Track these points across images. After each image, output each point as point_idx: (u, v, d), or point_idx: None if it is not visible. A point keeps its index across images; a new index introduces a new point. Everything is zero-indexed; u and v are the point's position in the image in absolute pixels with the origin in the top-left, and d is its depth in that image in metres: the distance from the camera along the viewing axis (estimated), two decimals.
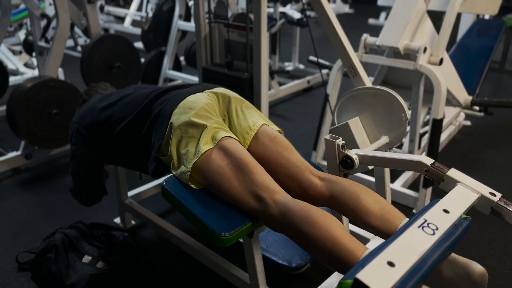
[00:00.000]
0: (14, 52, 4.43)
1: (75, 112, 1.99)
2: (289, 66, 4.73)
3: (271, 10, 4.14)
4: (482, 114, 3.24)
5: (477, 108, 2.90)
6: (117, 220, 2.23)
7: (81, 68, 2.88)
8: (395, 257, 0.82)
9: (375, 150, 1.51)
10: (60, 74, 3.99)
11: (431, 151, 2.19)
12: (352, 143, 1.55)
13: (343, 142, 1.37)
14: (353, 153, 1.36)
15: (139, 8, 5.84)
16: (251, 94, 2.08)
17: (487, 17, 4.26)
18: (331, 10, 1.75)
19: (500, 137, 3.23)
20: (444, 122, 2.57)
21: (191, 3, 4.10)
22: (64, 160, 2.87)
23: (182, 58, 4.20)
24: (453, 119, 3.17)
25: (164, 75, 3.74)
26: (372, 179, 2.42)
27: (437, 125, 2.14)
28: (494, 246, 2.02)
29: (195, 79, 3.66)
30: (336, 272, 1.67)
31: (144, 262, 1.82)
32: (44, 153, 2.85)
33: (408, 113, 1.48)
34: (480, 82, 2.86)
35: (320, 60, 2.54)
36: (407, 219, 1.18)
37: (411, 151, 2.53)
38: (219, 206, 1.29)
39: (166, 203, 1.90)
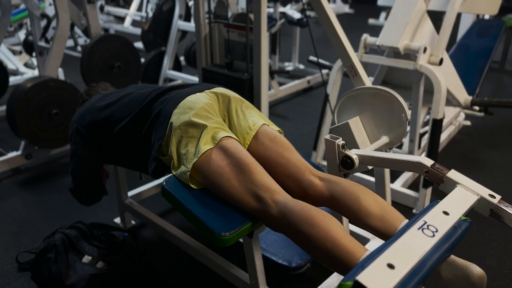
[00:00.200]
0: (14, 52, 4.43)
1: (75, 112, 1.99)
2: (289, 66, 4.73)
3: (271, 10, 4.14)
4: (482, 114, 3.24)
5: (477, 108, 2.90)
6: (117, 220, 2.23)
7: (81, 68, 2.88)
8: (395, 259, 0.82)
9: (375, 150, 1.51)
10: (60, 74, 3.99)
11: (431, 151, 2.19)
12: (352, 143, 1.55)
13: (343, 142, 1.37)
14: (353, 153, 1.36)
15: (139, 8, 5.84)
16: (251, 94, 2.08)
17: (487, 17, 4.26)
18: (331, 10, 1.75)
19: (500, 137, 3.23)
20: (444, 122, 2.58)
21: (191, 3, 4.10)
22: (64, 160, 2.87)
23: (182, 58, 4.20)
24: (453, 119, 3.17)
25: (164, 75, 3.74)
26: (372, 179, 2.42)
27: (437, 125, 2.14)
28: (494, 246, 2.02)
29: (195, 79, 3.66)
30: (336, 272, 1.67)
31: (144, 262, 1.82)
32: (44, 153, 2.85)
33: (408, 113, 1.48)
34: (480, 82, 2.86)
35: (320, 60, 2.54)
36: (407, 220, 1.18)
37: (411, 151, 2.53)
38: (219, 206, 1.29)
39: (166, 203, 1.90)
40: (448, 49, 2.72)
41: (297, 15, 4.11)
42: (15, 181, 2.64)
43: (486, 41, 3.17)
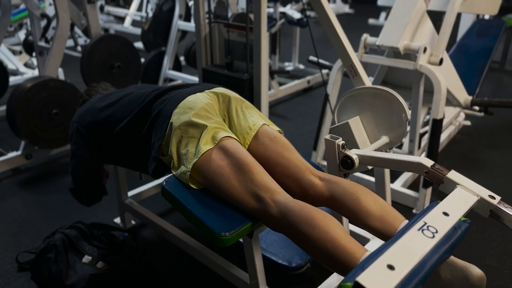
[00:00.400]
0: (14, 52, 4.43)
1: (75, 112, 1.99)
2: (289, 66, 4.73)
3: (271, 10, 4.14)
4: (482, 114, 3.24)
5: (477, 108, 2.90)
6: (117, 220, 2.23)
7: (81, 68, 2.88)
8: (395, 260, 0.82)
9: (375, 150, 1.51)
10: (60, 74, 3.99)
11: (431, 151, 2.19)
12: (352, 143, 1.55)
13: (343, 142, 1.37)
14: (353, 153, 1.36)
15: (139, 8, 5.84)
16: (251, 95, 2.08)
17: (487, 17, 4.26)
18: (331, 10, 1.76)
19: (500, 137, 3.23)
20: (444, 122, 2.58)
21: (191, 3, 4.10)
22: (64, 160, 2.87)
23: (182, 58, 4.20)
24: (453, 119, 3.17)
25: (164, 75, 3.74)
26: (372, 179, 2.42)
27: (437, 125, 2.14)
28: (494, 246, 2.02)
29: (195, 79, 3.65)
30: (335, 272, 1.67)
31: (144, 262, 1.82)
32: (44, 153, 2.85)
33: (409, 113, 1.48)
34: (480, 82, 2.86)
35: (320, 60, 2.54)
36: (407, 221, 1.18)
37: (411, 151, 2.53)
38: (219, 206, 1.29)
39: (166, 203, 1.90)
40: (448, 49, 2.72)
41: (297, 15, 4.11)
42: (15, 181, 2.64)
43: (486, 41, 3.17)
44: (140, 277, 1.78)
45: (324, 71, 3.83)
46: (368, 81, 1.82)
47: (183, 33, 3.93)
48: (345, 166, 1.38)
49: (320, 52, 2.12)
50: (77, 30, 4.80)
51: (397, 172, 2.62)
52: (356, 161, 1.35)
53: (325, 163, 2.56)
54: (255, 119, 1.45)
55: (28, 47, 3.85)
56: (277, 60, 4.27)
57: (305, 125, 3.46)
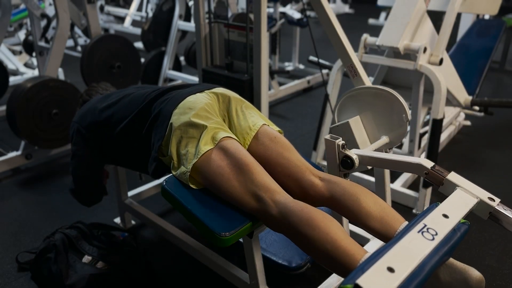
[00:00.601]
0: (14, 52, 4.42)
1: (76, 112, 1.99)
2: (289, 66, 4.73)
3: (271, 10, 4.14)
4: (482, 114, 3.24)
5: (477, 108, 2.90)
6: (117, 220, 2.23)
7: (81, 68, 2.88)
8: (395, 262, 0.82)
9: (375, 150, 1.51)
10: (60, 74, 3.99)
11: (431, 151, 2.19)
12: (352, 143, 1.55)
13: (343, 142, 1.37)
14: (353, 153, 1.36)
15: (139, 8, 5.84)
16: (251, 96, 2.08)
17: (487, 17, 4.26)
18: (331, 10, 1.76)
19: (500, 137, 3.23)
20: (444, 122, 2.58)
21: (191, 3, 4.10)
22: (64, 160, 2.87)
23: (182, 58, 4.20)
24: (453, 119, 3.17)
25: (164, 75, 3.74)
26: (372, 179, 2.42)
27: (437, 125, 2.14)
28: (494, 246, 2.02)
29: (195, 79, 3.66)
30: (335, 273, 1.67)
31: (144, 262, 1.82)
32: (44, 153, 2.85)
33: (409, 113, 1.48)
34: (480, 82, 2.86)
35: (320, 60, 2.54)
36: (406, 222, 1.18)
37: (411, 151, 2.53)
38: (219, 206, 1.29)
39: (166, 203, 1.91)
40: (448, 49, 2.72)
41: (297, 15, 4.11)
42: (15, 181, 2.64)
43: (486, 41, 3.17)
44: (140, 277, 1.78)
45: (324, 71, 3.83)
46: (368, 81, 1.82)
47: (183, 33, 3.93)
48: (345, 166, 1.38)
49: (320, 52, 2.12)
50: (77, 30, 4.80)
51: (397, 172, 2.62)
52: (356, 161, 1.35)
53: (325, 163, 2.56)
54: (255, 119, 1.45)
55: (28, 47, 3.85)
56: (277, 60, 4.27)
57: (305, 125, 3.46)
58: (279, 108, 3.85)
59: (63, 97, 2.67)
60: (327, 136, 1.38)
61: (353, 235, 1.96)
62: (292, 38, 4.54)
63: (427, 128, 2.40)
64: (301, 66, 4.71)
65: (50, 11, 4.01)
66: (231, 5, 3.72)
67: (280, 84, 4.10)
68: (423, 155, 2.37)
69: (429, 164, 1.23)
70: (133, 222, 2.22)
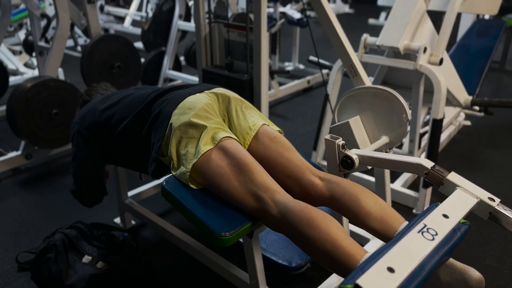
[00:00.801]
0: (14, 52, 4.43)
1: (75, 112, 1.99)
2: (289, 66, 4.73)
3: (271, 10, 4.14)
4: (482, 114, 3.24)
5: (477, 108, 2.90)
6: (117, 220, 2.23)
7: (81, 68, 2.88)
8: (395, 263, 0.83)
9: (375, 150, 1.51)
10: (60, 74, 3.99)
11: (431, 151, 2.19)
12: (352, 142, 1.55)
13: (343, 142, 1.37)
14: (353, 153, 1.36)
15: (139, 8, 5.84)
16: (251, 96, 2.08)
17: (487, 17, 4.26)
18: (331, 10, 1.75)
19: (500, 137, 3.23)
20: (444, 122, 2.58)
21: (191, 3, 4.10)
22: (64, 160, 2.87)
23: (182, 58, 4.20)
24: (453, 119, 3.17)
25: (164, 75, 3.74)
26: (372, 179, 2.42)
27: (437, 125, 2.14)
28: (494, 246, 2.02)
29: (195, 79, 3.66)
30: (335, 273, 1.67)
31: (144, 262, 1.82)
32: (44, 153, 2.85)
33: (409, 113, 1.48)
34: (480, 82, 2.86)
35: (320, 60, 2.54)
36: (406, 222, 1.18)
37: (411, 151, 2.53)
38: (219, 206, 1.29)
39: (166, 203, 1.91)
40: (448, 49, 2.72)
41: (297, 15, 4.11)
42: (15, 181, 2.64)
43: (486, 41, 3.17)
44: (140, 277, 1.78)
45: (324, 71, 3.83)
46: (368, 81, 1.82)
47: (183, 33, 3.93)
48: (345, 166, 1.38)
49: (320, 52, 2.12)
50: (77, 30, 4.80)
51: (397, 172, 2.62)
52: (356, 161, 1.35)
53: (325, 163, 2.56)
54: (255, 119, 1.45)
55: (28, 47, 3.85)
56: (277, 60, 4.27)
57: (305, 125, 3.46)
58: (279, 108, 3.85)
59: (63, 97, 2.67)
60: (327, 136, 1.38)
61: (353, 235, 1.96)
62: (292, 38, 4.54)
63: (427, 128, 2.40)
64: (301, 66, 4.71)
65: (50, 11, 4.01)
66: (231, 5, 3.72)
67: (280, 84, 4.10)
68: (423, 155, 2.37)
69: (429, 164, 1.23)
70: (133, 222, 2.22)
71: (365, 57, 2.28)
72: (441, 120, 2.14)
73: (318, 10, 1.75)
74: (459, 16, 4.35)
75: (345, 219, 1.61)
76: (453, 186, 1.17)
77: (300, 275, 1.82)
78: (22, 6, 4.21)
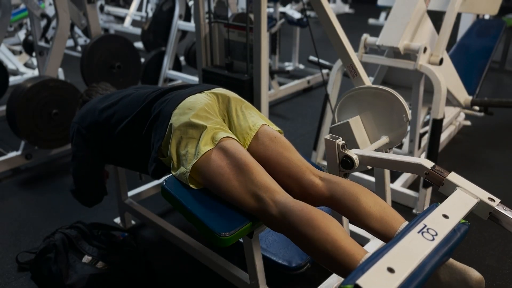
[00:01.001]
0: (14, 52, 4.42)
1: (76, 112, 1.99)
2: (289, 66, 4.73)
3: (271, 10, 4.14)
4: (482, 114, 3.24)
5: (477, 108, 2.90)
6: (117, 220, 2.23)
7: (81, 68, 2.88)
8: (395, 263, 0.83)
9: (375, 150, 1.51)
10: (60, 74, 3.99)
11: (431, 151, 2.19)
12: (352, 142, 1.55)
13: (343, 142, 1.37)
14: (353, 153, 1.36)
15: (139, 8, 5.84)
16: (251, 96, 2.08)
17: (487, 17, 4.26)
18: (331, 10, 1.75)
19: (500, 137, 3.23)
20: (444, 122, 2.58)
21: (191, 3, 4.10)
22: (64, 160, 2.87)
23: (182, 58, 4.20)
24: (453, 119, 3.17)
25: (164, 75, 3.74)
26: (372, 179, 2.42)
27: (437, 125, 2.14)
28: (494, 246, 2.02)
29: (195, 79, 3.66)
30: (335, 274, 1.67)
31: (144, 262, 1.82)
32: (44, 153, 2.85)
33: (409, 113, 1.48)
34: (480, 82, 2.86)
35: (320, 60, 2.54)
36: (407, 222, 1.18)
37: (411, 151, 2.53)
38: (219, 206, 1.29)
39: (166, 203, 1.91)
40: (448, 49, 2.72)
41: (297, 15, 4.11)
42: (15, 181, 2.64)
43: (486, 41, 3.17)
44: (140, 277, 1.78)
45: (324, 71, 3.83)
46: (368, 81, 1.82)
47: (183, 33, 3.93)
48: (345, 166, 1.38)
49: (320, 52, 2.12)
50: (77, 30, 4.80)
51: (397, 172, 2.62)
52: (356, 161, 1.35)
53: (325, 163, 2.56)
54: (255, 119, 1.45)
55: (28, 47, 3.85)
56: (277, 60, 4.27)
57: (305, 125, 3.46)
58: (279, 108, 3.85)
59: (63, 97, 2.67)
60: (327, 136, 1.38)
61: (353, 235, 1.96)
62: (292, 38, 4.54)
63: (427, 128, 2.40)
64: (301, 66, 4.71)
65: (50, 11, 4.01)
66: (231, 5, 3.72)
67: (280, 84, 4.10)
68: (423, 155, 2.37)
69: (429, 164, 1.23)
70: (133, 222, 2.22)
71: (365, 57, 2.28)
72: (441, 120, 2.14)
73: (318, 10, 1.75)
74: (459, 16, 4.35)
75: (345, 219, 1.61)
76: (453, 186, 1.17)
77: (300, 275, 1.82)
78: (22, 6, 4.21)
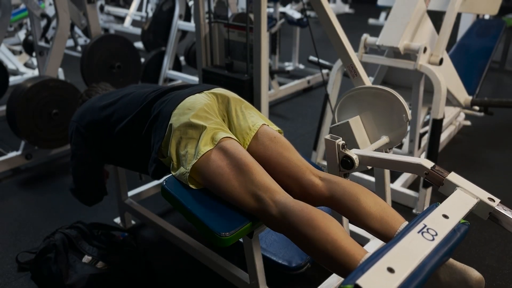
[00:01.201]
0: (14, 52, 4.42)
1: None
2: (289, 66, 4.73)
3: (271, 10, 4.14)
4: (482, 114, 3.24)
5: (477, 108, 2.90)
6: (117, 220, 2.23)
7: (81, 68, 2.88)
8: (395, 263, 0.83)
9: (375, 150, 1.51)
10: (60, 74, 3.99)
11: (431, 151, 2.19)
12: (352, 142, 1.55)
13: (343, 142, 1.37)
14: (353, 153, 1.36)
15: (139, 8, 5.84)
16: (251, 96, 2.08)
17: (487, 17, 4.26)
18: (331, 10, 1.75)
19: (500, 137, 3.23)
20: (444, 122, 2.58)
21: (191, 3, 4.10)
22: (64, 160, 2.87)
23: (182, 58, 4.20)
24: (453, 119, 3.17)
25: (164, 75, 3.74)
26: (372, 179, 2.42)
27: (437, 125, 2.14)
28: (494, 246, 2.02)
29: (195, 79, 3.66)
30: (335, 274, 1.67)
31: (144, 262, 1.82)
32: (44, 153, 2.85)
33: (409, 113, 1.48)
34: (480, 82, 2.86)
35: (320, 60, 2.54)
36: (407, 222, 1.18)
37: (411, 151, 2.53)
38: (219, 206, 1.29)
39: (166, 203, 1.91)
40: (448, 49, 2.72)
41: (297, 15, 4.11)
42: (15, 181, 2.64)
43: (486, 41, 3.17)
44: (140, 277, 1.78)
45: (324, 71, 3.83)
46: (368, 81, 1.82)
47: (183, 33, 3.93)
48: (345, 166, 1.38)
49: (320, 52, 2.12)
50: (77, 30, 4.80)
51: (397, 172, 2.62)
52: (356, 161, 1.35)
53: (325, 163, 2.56)
54: (255, 119, 1.45)
55: (28, 47, 3.85)
56: (277, 60, 4.27)
57: (305, 125, 3.46)
58: (279, 108, 3.85)
59: (63, 97, 2.67)
60: (327, 136, 1.38)
61: (353, 235, 1.96)
62: (292, 38, 4.54)
63: (427, 128, 2.40)
64: (301, 66, 4.71)
65: (50, 11, 4.01)
66: (231, 5, 3.72)
67: (280, 84, 4.10)
68: (423, 155, 2.37)
69: (429, 164, 1.23)
70: (133, 222, 2.22)
71: (365, 57, 2.28)
72: (441, 120, 2.14)
73: (318, 10, 1.75)
74: (459, 16, 4.35)
75: (345, 219, 1.61)
76: (453, 186, 1.17)
77: (300, 275, 1.82)
78: (22, 6, 4.21)
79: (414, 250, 0.88)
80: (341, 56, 1.82)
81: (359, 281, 0.77)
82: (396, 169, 1.35)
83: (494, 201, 1.12)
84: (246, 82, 2.06)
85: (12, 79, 3.70)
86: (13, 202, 2.41)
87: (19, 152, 2.74)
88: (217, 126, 1.34)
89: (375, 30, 3.27)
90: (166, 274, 1.88)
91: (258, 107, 2.06)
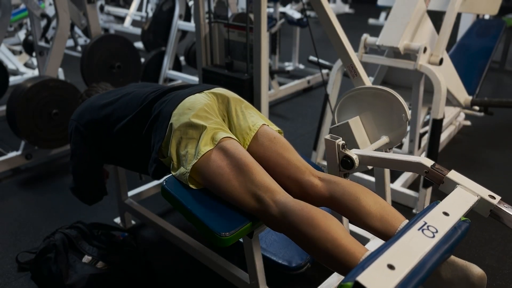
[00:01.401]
0: (14, 52, 4.43)
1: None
2: (289, 66, 4.73)
3: (271, 10, 4.14)
4: (482, 114, 3.24)
5: (477, 108, 2.90)
6: (117, 220, 2.23)
7: (81, 68, 2.88)
8: (395, 260, 0.82)
9: (375, 150, 1.51)
10: (60, 74, 3.99)
11: (431, 151, 2.19)
12: (352, 143, 1.55)
13: (343, 142, 1.37)
14: (353, 153, 1.36)
15: (139, 8, 5.84)
16: (251, 95, 2.08)
17: (487, 17, 4.26)
18: (331, 10, 1.75)
19: (500, 137, 3.23)
20: (444, 122, 2.58)
21: (191, 3, 4.10)
22: (64, 160, 2.87)
23: (182, 58, 4.20)
24: (453, 119, 3.17)
25: (164, 75, 3.74)
26: (372, 179, 2.42)
27: (437, 125, 2.14)
28: (494, 246, 2.02)
29: (195, 79, 3.66)
30: (336, 272, 1.67)
31: (144, 262, 1.82)
32: (44, 153, 2.85)
33: (409, 113, 1.48)
34: (480, 82, 2.86)
35: (320, 60, 2.54)
36: (407, 220, 1.18)
37: (411, 151, 2.53)
38: (219, 206, 1.29)
39: (166, 203, 1.91)
40: (448, 49, 2.72)
41: (297, 15, 4.11)
42: (15, 181, 2.64)
43: (486, 41, 3.17)
44: (140, 277, 1.78)
45: (324, 71, 3.83)
46: (368, 81, 1.82)
47: (183, 33, 3.93)
48: (345, 166, 1.38)
49: (320, 52, 2.12)
50: (77, 30, 4.80)
51: (397, 172, 2.62)
52: (356, 161, 1.35)
53: (325, 163, 2.56)
54: (255, 119, 1.45)
55: (28, 47, 3.85)
56: (277, 60, 4.27)
57: (305, 125, 3.46)
58: (279, 108, 3.85)
59: (63, 97, 2.67)
60: (327, 136, 1.38)
61: (353, 235, 1.94)
62: (292, 38, 4.54)
63: (427, 128, 2.40)
64: (301, 66, 4.71)
65: (50, 11, 4.01)
66: (231, 5, 3.72)
67: (280, 84, 4.10)
68: (423, 155, 2.37)
69: (429, 162, 1.23)
70: (133, 222, 2.22)
71: (365, 57, 2.28)
72: (441, 120, 2.14)
73: (318, 10, 1.75)
74: (459, 16, 4.35)
75: (345, 219, 1.61)
76: (453, 184, 1.17)
77: (300, 275, 1.82)
78: (22, 6, 4.21)
79: (414, 247, 0.88)
80: (341, 56, 1.82)
81: (359, 278, 0.77)
82: (396, 168, 1.35)
83: (495, 198, 1.12)
84: (246, 81, 2.06)
85: (12, 79, 3.71)
86: (13, 202, 2.41)
87: (19, 152, 2.74)
88: (217, 126, 1.34)
89: (375, 30, 3.27)
90: (166, 274, 1.88)
91: (258, 107, 2.06)
